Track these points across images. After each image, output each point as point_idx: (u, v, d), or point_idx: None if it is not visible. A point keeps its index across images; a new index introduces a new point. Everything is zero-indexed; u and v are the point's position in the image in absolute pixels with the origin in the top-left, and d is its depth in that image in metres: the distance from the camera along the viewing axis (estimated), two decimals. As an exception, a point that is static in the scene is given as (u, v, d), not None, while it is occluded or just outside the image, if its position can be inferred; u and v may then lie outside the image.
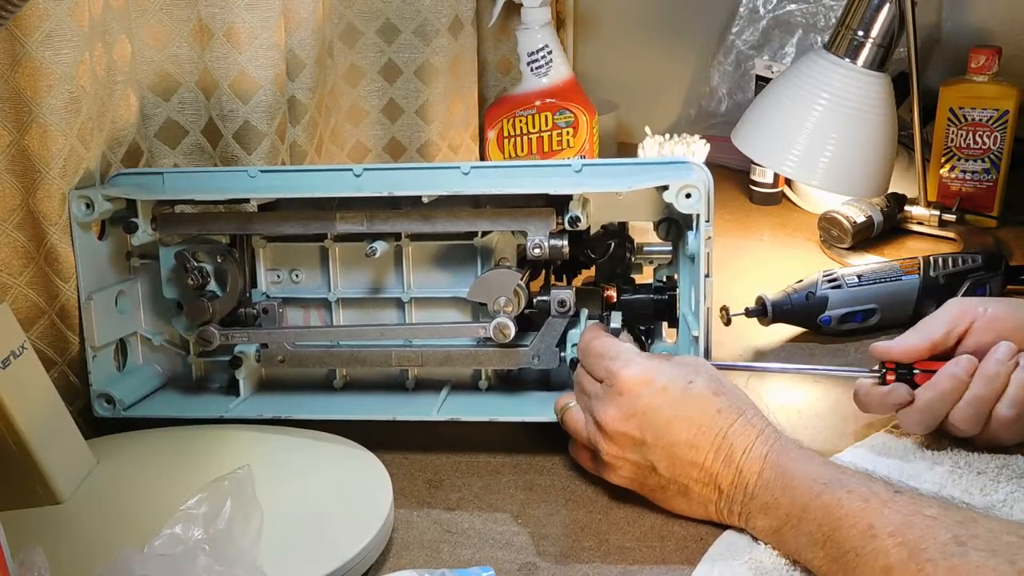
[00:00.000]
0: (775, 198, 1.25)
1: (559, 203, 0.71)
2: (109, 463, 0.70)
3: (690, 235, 0.71)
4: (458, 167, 0.73)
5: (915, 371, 0.70)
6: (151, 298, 0.79)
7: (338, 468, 0.69)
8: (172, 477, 0.68)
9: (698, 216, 0.69)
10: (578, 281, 0.80)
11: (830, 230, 1.10)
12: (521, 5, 1.10)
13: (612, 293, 0.77)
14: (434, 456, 0.74)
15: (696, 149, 1.12)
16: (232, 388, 0.78)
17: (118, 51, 0.78)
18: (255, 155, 0.87)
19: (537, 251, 0.72)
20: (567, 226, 0.71)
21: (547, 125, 1.14)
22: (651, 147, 1.13)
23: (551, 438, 0.75)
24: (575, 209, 0.70)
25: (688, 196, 0.68)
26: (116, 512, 0.65)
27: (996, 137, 1.11)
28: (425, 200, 0.71)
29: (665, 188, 0.69)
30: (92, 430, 0.74)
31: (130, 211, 0.74)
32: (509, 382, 0.79)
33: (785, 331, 0.91)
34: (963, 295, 0.90)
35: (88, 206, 0.72)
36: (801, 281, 0.90)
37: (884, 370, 0.71)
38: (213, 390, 0.80)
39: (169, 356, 0.81)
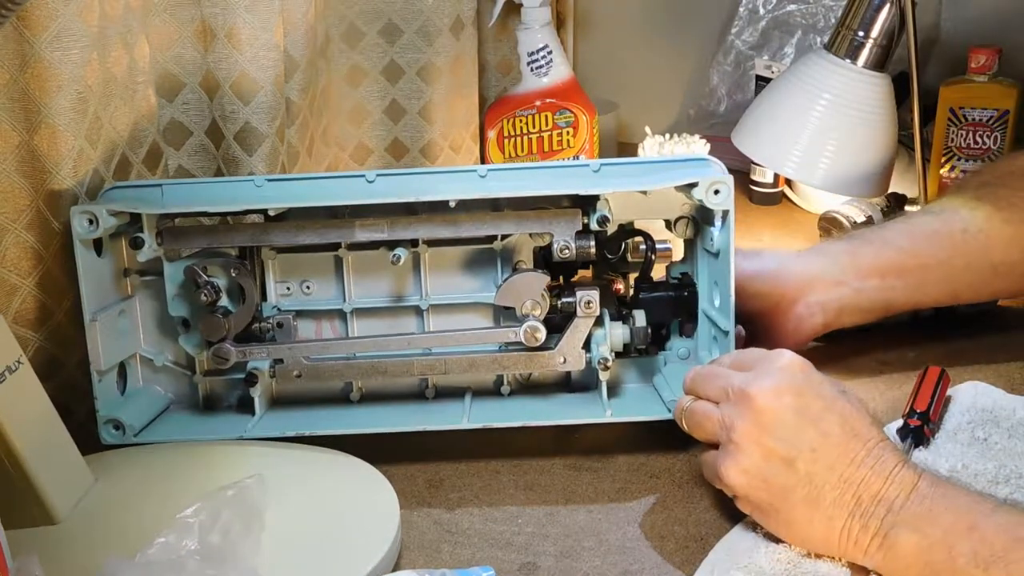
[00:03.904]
0: (775, 198, 1.25)
1: (582, 203, 0.72)
2: (107, 481, 0.67)
3: (713, 231, 0.72)
4: (474, 170, 0.73)
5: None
6: (151, 317, 0.77)
7: (344, 487, 0.67)
8: (171, 495, 0.65)
9: (725, 212, 0.70)
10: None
11: (830, 230, 1.10)
12: (521, 5, 1.10)
13: (620, 286, 0.77)
14: (434, 456, 0.74)
15: (696, 149, 1.12)
16: (242, 406, 0.77)
17: (138, 51, 0.78)
18: (256, 156, 0.87)
19: (566, 252, 0.72)
20: (595, 226, 0.71)
21: (547, 125, 1.14)
22: (651, 147, 1.14)
23: (551, 438, 0.76)
24: (603, 209, 0.71)
25: (716, 192, 0.69)
26: (114, 531, 0.63)
27: (996, 137, 1.11)
28: (452, 204, 0.71)
29: (685, 186, 0.70)
30: (92, 443, 0.72)
31: (132, 226, 0.72)
32: (530, 386, 0.79)
33: (785, 331, 0.91)
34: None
35: (91, 222, 0.69)
36: (801, 281, 0.90)
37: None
38: (223, 409, 0.78)
39: (171, 376, 0.78)
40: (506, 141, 1.15)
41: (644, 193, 0.73)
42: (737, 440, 0.60)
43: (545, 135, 1.14)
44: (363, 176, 0.73)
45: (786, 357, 0.62)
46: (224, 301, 0.74)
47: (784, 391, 0.59)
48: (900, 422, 0.71)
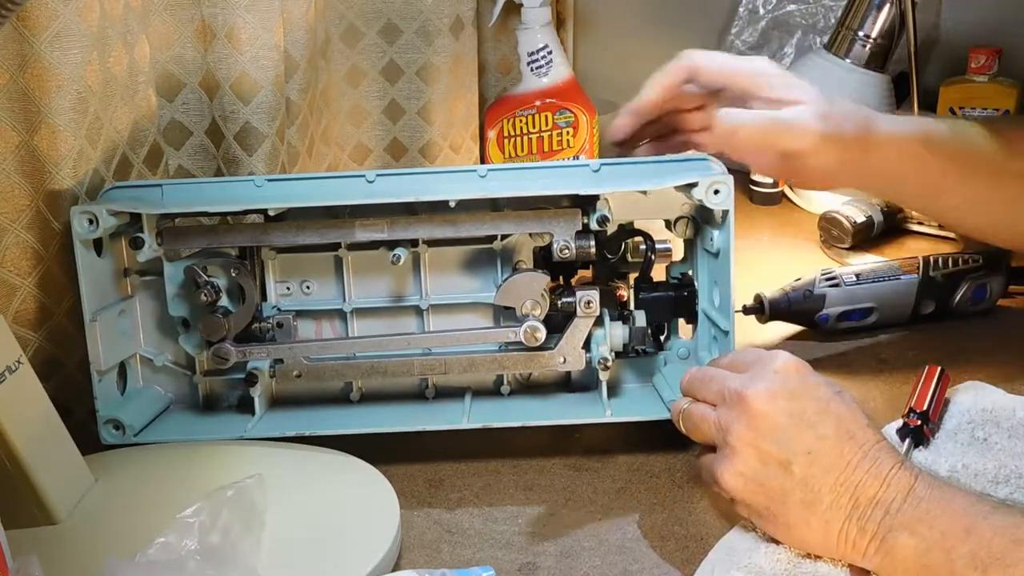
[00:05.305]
0: (775, 198, 1.25)
1: (582, 203, 0.72)
2: (107, 481, 0.67)
3: (714, 231, 0.72)
4: (474, 170, 0.73)
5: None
6: (151, 317, 0.77)
7: (344, 487, 0.67)
8: (171, 495, 0.65)
9: (725, 212, 0.70)
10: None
11: (830, 230, 1.10)
12: (521, 5, 1.10)
13: (624, 293, 0.77)
14: (434, 456, 0.74)
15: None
16: (242, 406, 0.77)
17: (139, 51, 0.78)
18: (256, 156, 0.87)
19: (566, 252, 0.72)
20: (595, 226, 0.71)
21: (547, 125, 1.14)
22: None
23: (551, 438, 0.76)
24: (603, 209, 0.71)
25: (716, 192, 0.69)
26: (114, 531, 0.62)
27: (996, 137, 1.11)
28: (452, 204, 0.71)
29: (685, 186, 0.70)
30: (92, 443, 0.72)
31: (132, 226, 0.72)
32: (529, 386, 0.79)
33: (783, 329, 0.91)
34: (962, 296, 0.90)
35: (91, 222, 0.69)
36: (799, 279, 0.90)
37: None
38: (223, 409, 0.78)
39: (171, 376, 0.78)
40: (506, 141, 1.15)
41: (644, 193, 0.73)
42: (733, 444, 0.60)
43: (545, 135, 1.14)
44: (363, 176, 0.73)
45: (781, 359, 0.62)
46: (224, 301, 0.74)
47: (779, 394, 0.59)
48: (900, 422, 0.71)
